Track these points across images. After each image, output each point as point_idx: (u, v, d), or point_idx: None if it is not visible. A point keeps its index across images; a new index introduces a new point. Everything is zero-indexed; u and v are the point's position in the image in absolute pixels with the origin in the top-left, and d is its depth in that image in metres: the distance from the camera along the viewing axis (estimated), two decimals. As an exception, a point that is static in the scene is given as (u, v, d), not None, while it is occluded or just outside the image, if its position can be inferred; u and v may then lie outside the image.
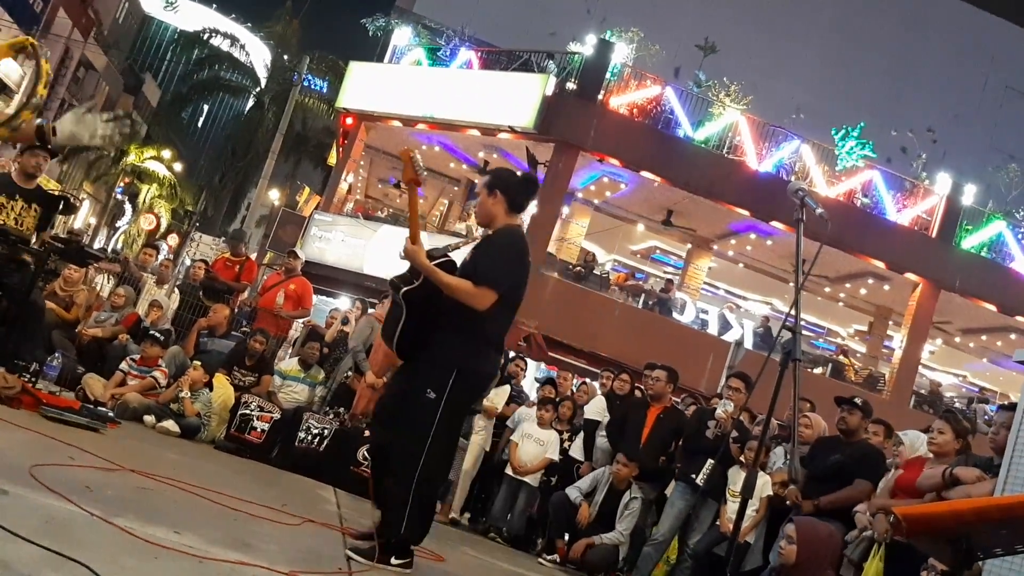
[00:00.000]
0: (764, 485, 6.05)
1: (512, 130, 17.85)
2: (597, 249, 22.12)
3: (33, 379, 5.81)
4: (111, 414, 5.86)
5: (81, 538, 2.89)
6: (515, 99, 17.75)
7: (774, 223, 17.80)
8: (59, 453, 4.19)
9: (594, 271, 18.98)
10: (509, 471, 7.55)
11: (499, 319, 4.10)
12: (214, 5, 45.81)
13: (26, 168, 6.07)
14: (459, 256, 4.29)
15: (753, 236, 19.59)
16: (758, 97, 19.09)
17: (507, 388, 8.09)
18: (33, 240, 5.95)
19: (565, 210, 19.39)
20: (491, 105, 17.98)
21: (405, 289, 4.10)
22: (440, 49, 20.09)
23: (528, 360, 12.23)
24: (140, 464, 4.61)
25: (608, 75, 17.97)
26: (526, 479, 7.47)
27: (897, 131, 23.37)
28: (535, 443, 7.55)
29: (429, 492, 4.11)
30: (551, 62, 18.69)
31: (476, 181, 21.60)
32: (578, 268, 18.49)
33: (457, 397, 4.00)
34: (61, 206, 6.23)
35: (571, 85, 18.28)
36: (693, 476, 6.51)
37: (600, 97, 17.89)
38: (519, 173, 4.47)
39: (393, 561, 3.93)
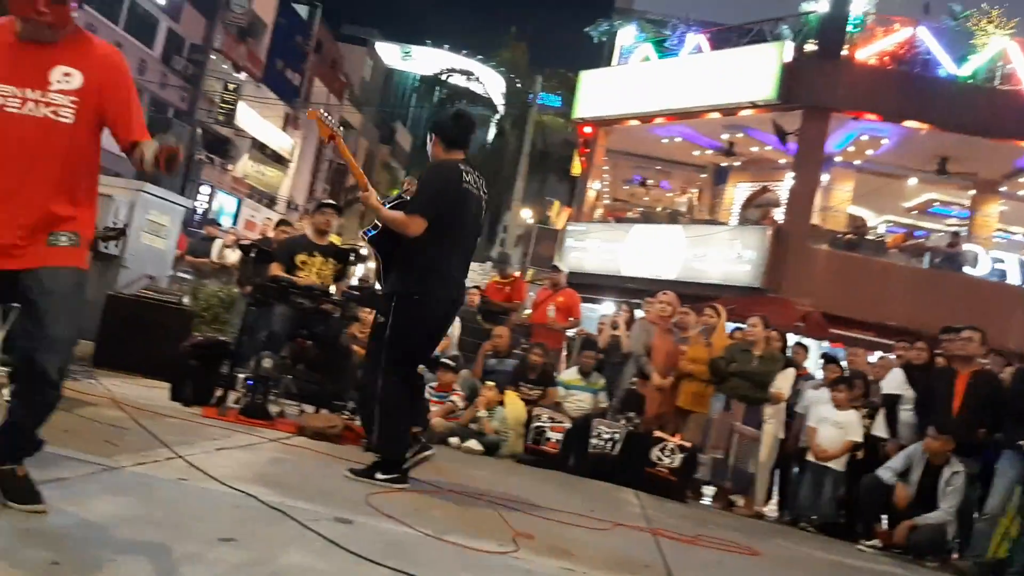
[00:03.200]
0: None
1: (754, 105, 17.24)
2: (866, 213, 20.72)
3: (351, 416, 6.42)
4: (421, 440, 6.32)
5: (420, 557, 3.15)
6: (752, 73, 17.14)
7: (1071, 151, 15.81)
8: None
9: (867, 236, 17.81)
10: (811, 457, 7.25)
11: (436, 245, 4.49)
12: (446, 46, 48.32)
13: (318, 226, 6.74)
14: None
15: (1048, 169, 17.51)
16: (1027, 17, 17.07)
17: (792, 371, 7.79)
18: (333, 291, 6.58)
19: (825, 178, 18.37)
20: (728, 84, 17.48)
21: (371, 234, 4.61)
22: (667, 40, 19.87)
23: (810, 340, 11.70)
24: (455, 483, 4.94)
25: (849, 27, 16.89)
26: (830, 464, 7.13)
27: None
28: (834, 426, 7.19)
29: (383, 419, 4.57)
30: (785, 27, 17.87)
31: (723, 164, 21.11)
32: (848, 236, 17.44)
33: (400, 320, 4.46)
34: (352, 258, 6.85)
35: (810, 46, 17.39)
36: (1022, 443, 5.91)
37: (844, 52, 16.84)
38: (453, 111, 5.03)
39: (378, 476, 4.41)
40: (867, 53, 16.78)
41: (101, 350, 6.95)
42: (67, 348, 2.80)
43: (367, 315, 8.73)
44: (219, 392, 6.14)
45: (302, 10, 38.58)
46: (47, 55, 2.66)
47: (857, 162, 19.12)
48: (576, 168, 23.13)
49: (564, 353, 10.29)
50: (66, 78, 2.66)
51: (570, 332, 10.31)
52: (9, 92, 2.60)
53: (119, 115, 2.77)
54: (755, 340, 7.03)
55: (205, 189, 28.71)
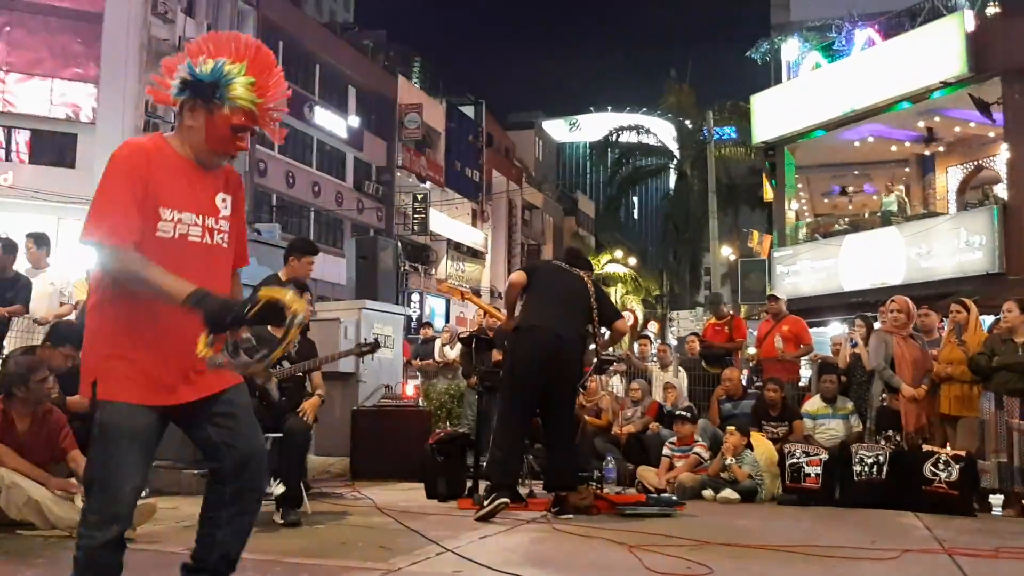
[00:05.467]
0: None
1: (945, 84, 16.20)
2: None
3: (599, 486, 6.40)
4: (675, 498, 6.18)
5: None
6: (935, 52, 16.18)
7: None
8: (654, 541, 4.48)
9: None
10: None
11: (526, 307, 5.84)
12: (609, 108, 48.98)
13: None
14: None
15: None
16: None
17: None
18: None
19: (1048, 139, 16.78)
20: (912, 70, 16.56)
21: None
22: (833, 43, 19.18)
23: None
24: (721, 536, 4.76)
25: (1032, -23, 15.65)
26: None
27: None
28: None
29: (493, 449, 5.76)
30: (959, -4, 16.83)
31: (926, 153, 19.76)
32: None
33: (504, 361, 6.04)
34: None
35: (993, 9, 16.21)
36: None
37: (1034, 3, 15.58)
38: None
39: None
40: (1060, -2, 15.43)
41: (355, 462, 7.36)
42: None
43: (591, 382, 8.76)
44: (469, 483, 6.32)
45: (468, 110, 40.43)
46: (211, 180, 2.57)
47: (1081, 114, 17.37)
48: (768, 193, 22.44)
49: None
50: (223, 204, 2.59)
51: (804, 359, 9.84)
52: (191, 221, 2.48)
53: (239, 239, 2.69)
54: (1014, 327, 6.39)
55: (415, 296, 30.23)
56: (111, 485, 2.38)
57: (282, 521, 4.88)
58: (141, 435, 2.38)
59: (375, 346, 5.89)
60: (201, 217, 2.50)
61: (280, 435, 5.06)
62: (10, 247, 6.96)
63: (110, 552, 2.39)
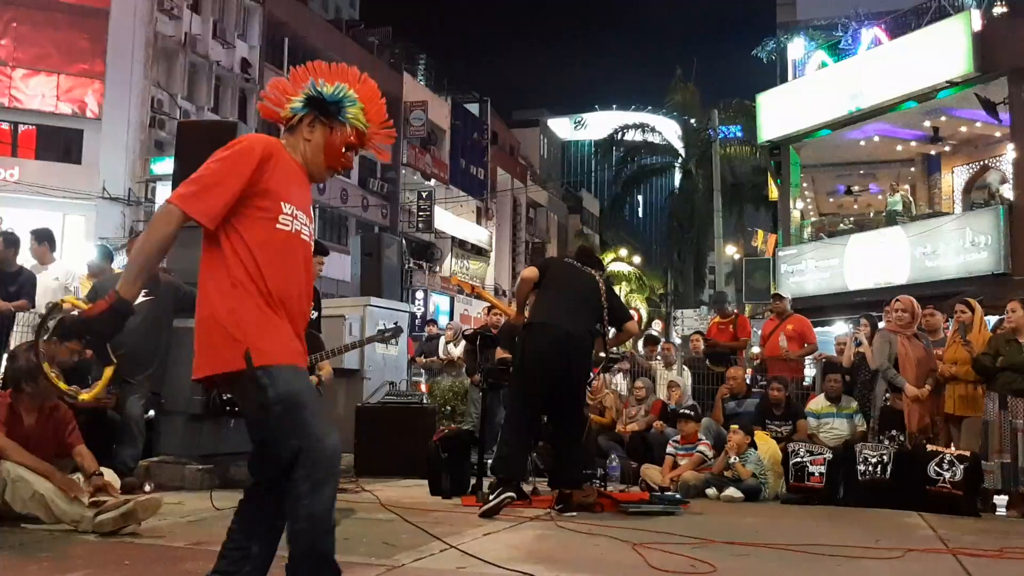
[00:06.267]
0: None
1: (951, 84, 16.16)
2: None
3: (603, 483, 6.40)
4: (678, 496, 6.18)
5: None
6: (942, 51, 16.16)
7: None
8: (658, 539, 4.48)
9: None
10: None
11: (537, 303, 5.94)
12: (614, 106, 48.90)
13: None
14: None
15: None
16: None
17: None
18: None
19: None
20: (918, 69, 16.54)
21: None
22: (839, 42, 19.16)
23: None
24: (724, 534, 4.76)
25: (1039, -23, 15.61)
26: None
27: None
28: None
29: (500, 444, 5.93)
30: (966, -5, 16.80)
31: (932, 152, 19.72)
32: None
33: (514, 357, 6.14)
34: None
35: (999, 8, 16.17)
36: None
37: (1040, 4, 15.55)
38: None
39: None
40: (1067, -2, 15.39)
41: (359, 458, 7.36)
42: None
43: (596, 382, 8.76)
44: (473, 480, 6.33)
45: (473, 108, 40.42)
46: (307, 188, 2.74)
47: (1089, 113, 17.32)
48: (773, 192, 22.43)
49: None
50: (312, 210, 2.77)
51: (808, 359, 9.83)
52: (303, 220, 2.65)
53: None
54: (1019, 327, 6.37)
55: (419, 294, 30.25)
56: (316, 444, 2.40)
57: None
58: (313, 392, 2.48)
59: (397, 330, 6.00)
60: (305, 216, 2.67)
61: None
62: (11, 241, 6.96)
63: (331, 511, 2.46)
